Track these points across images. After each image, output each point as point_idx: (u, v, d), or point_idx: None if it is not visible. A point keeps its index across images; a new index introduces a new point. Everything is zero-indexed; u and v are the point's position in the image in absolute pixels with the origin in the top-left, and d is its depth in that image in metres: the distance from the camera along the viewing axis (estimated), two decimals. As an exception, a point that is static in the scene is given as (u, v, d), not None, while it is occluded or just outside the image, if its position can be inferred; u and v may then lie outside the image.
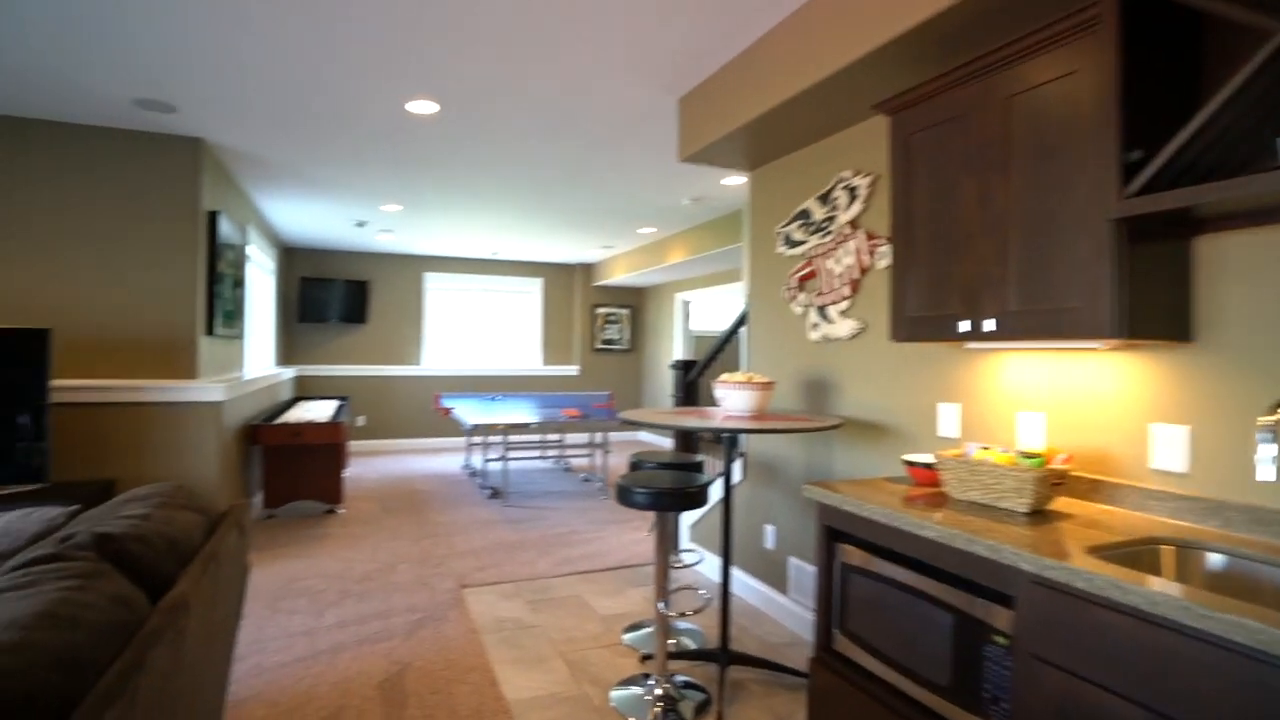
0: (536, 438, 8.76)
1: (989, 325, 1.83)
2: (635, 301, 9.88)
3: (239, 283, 4.90)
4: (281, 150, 4.16)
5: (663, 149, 4.09)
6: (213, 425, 3.81)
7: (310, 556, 4.03)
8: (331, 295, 8.07)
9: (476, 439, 8.74)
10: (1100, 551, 1.45)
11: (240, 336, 5.02)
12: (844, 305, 2.87)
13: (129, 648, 1.12)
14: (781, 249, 3.27)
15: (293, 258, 8.06)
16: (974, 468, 1.84)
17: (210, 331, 4.07)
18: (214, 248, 4.11)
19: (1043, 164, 1.69)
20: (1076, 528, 1.63)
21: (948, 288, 1.96)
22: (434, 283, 8.80)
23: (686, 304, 8.90)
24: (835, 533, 2.03)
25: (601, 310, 9.63)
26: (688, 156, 3.33)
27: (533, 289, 9.35)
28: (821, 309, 2.99)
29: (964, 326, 1.90)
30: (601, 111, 3.48)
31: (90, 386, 3.56)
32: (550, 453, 8.02)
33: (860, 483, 2.13)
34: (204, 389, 3.77)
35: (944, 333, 1.97)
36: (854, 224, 2.83)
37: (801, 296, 3.12)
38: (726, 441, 2.66)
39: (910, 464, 2.11)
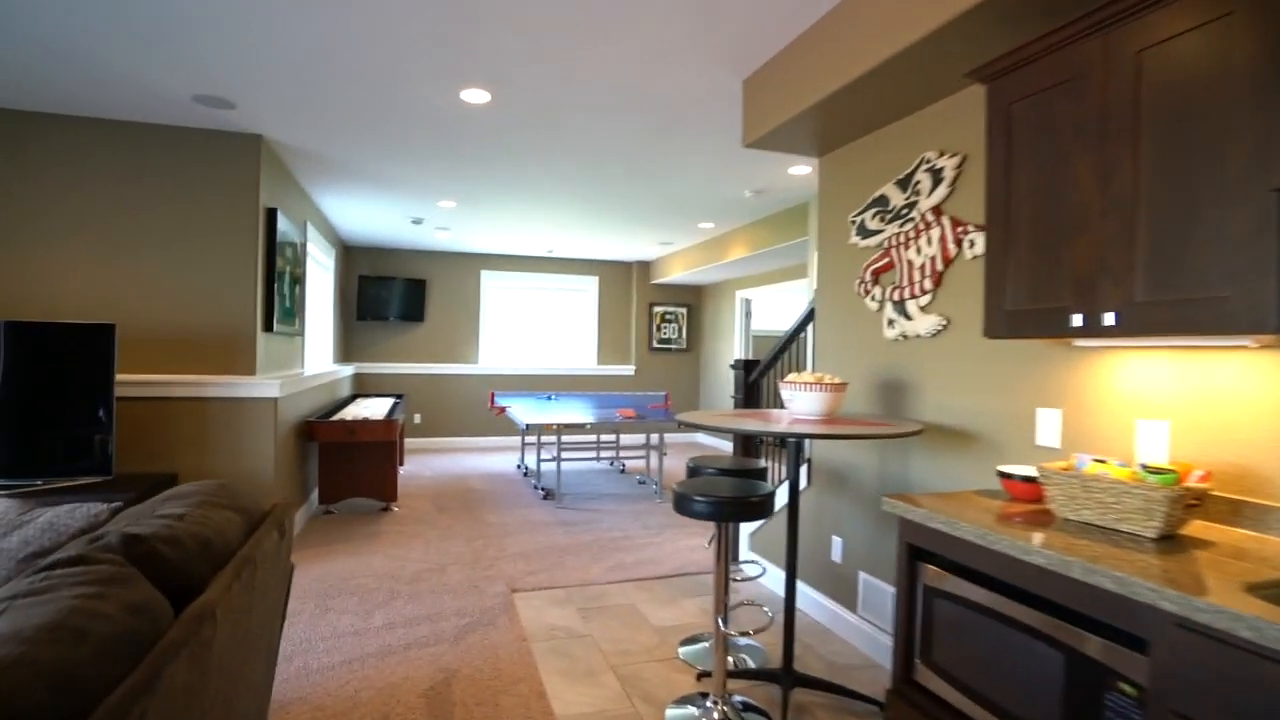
0: (591, 438, 8.68)
1: (1108, 319, 1.58)
2: (693, 300, 9.69)
3: (297, 280, 4.94)
4: (338, 146, 4.16)
5: (725, 137, 3.90)
6: (269, 421, 3.82)
7: (363, 554, 4.00)
8: (389, 293, 8.16)
9: (530, 439, 8.71)
10: (1262, 590, 1.21)
11: (299, 334, 5.06)
12: (925, 299, 2.63)
13: (142, 664, 1.02)
14: (854, 239, 3.04)
15: (352, 256, 8.19)
16: (1088, 483, 1.60)
17: (269, 328, 4.10)
18: (272, 245, 4.13)
19: (1181, 129, 1.44)
20: (1220, 558, 1.38)
21: (1057, 277, 1.72)
22: (490, 281, 8.82)
23: (747, 302, 8.66)
24: (919, 552, 1.81)
25: (658, 309, 9.48)
26: (753, 141, 3.14)
27: (588, 287, 9.27)
28: (899, 304, 2.75)
29: (1077, 321, 1.66)
30: (661, 97, 3.32)
31: (153, 381, 3.61)
32: (604, 454, 7.92)
33: (946, 496, 1.90)
34: (261, 385, 3.78)
35: (1051, 328, 1.73)
36: (938, 210, 2.59)
37: (876, 290, 2.89)
38: (793, 447, 2.46)
39: (1007, 476, 1.87)
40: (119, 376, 3.57)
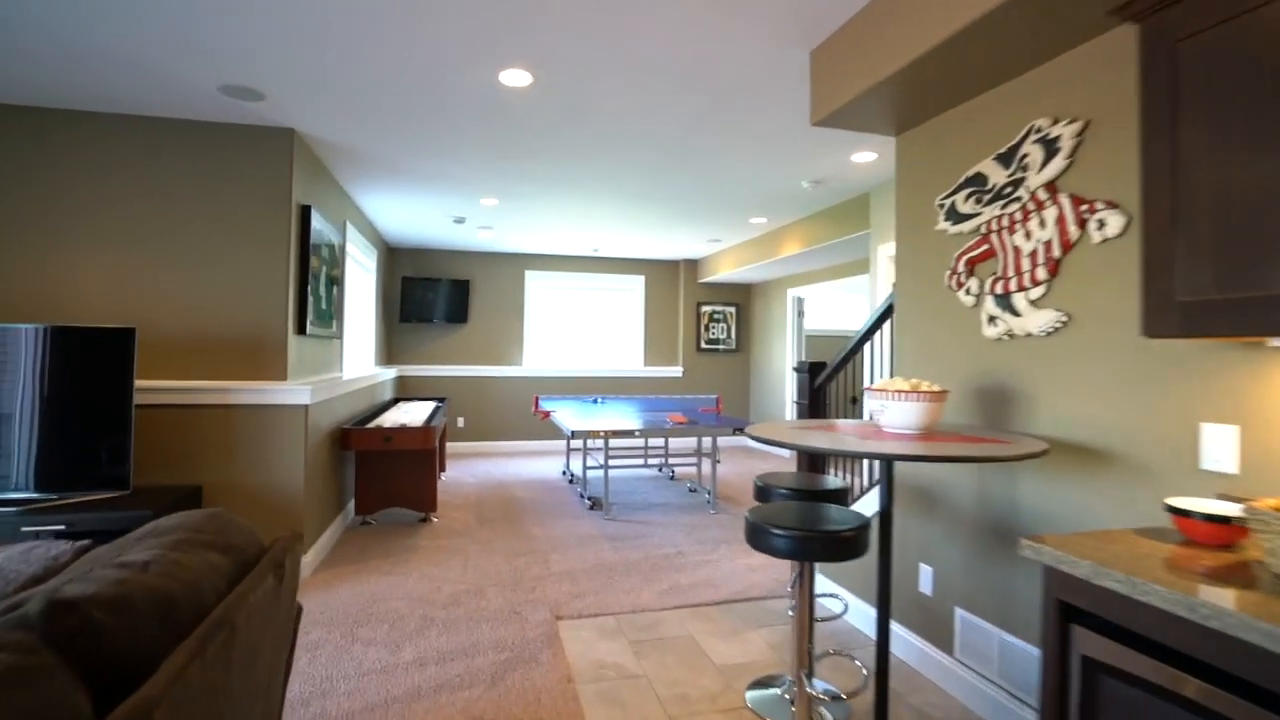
0: (639, 444, 8.36)
1: (1350, 310, 1.17)
2: (742, 299, 9.28)
3: (335, 281, 4.75)
4: (374, 138, 3.92)
5: (784, 120, 3.52)
6: (299, 429, 3.60)
7: (397, 573, 3.75)
8: (433, 295, 8.00)
9: (576, 444, 8.44)
10: None
11: (338, 336, 4.87)
12: (1038, 292, 2.21)
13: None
14: (942, 225, 2.63)
15: (395, 257, 8.05)
16: (1321, 532, 1.19)
17: (302, 331, 3.89)
18: (306, 243, 3.93)
19: None
20: None
21: (1268, 257, 1.30)
22: (535, 281, 8.59)
23: (799, 300, 8.21)
24: (1073, 611, 1.41)
25: (706, 308, 9.10)
26: (822, 119, 2.76)
27: (634, 286, 8.96)
28: (1003, 297, 2.34)
29: (1298, 313, 1.24)
30: (716, 76, 2.97)
31: (176, 388, 3.42)
32: (652, 459, 7.58)
33: (1098, 537, 1.50)
34: (290, 391, 3.56)
35: (1257, 323, 1.31)
36: (1052, 187, 2.17)
37: (972, 283, 2.47)
38: (886, 467, 2.07)
39: (1181, 514, 1.46)
40: (140, 383, 3.39)
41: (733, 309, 9.24)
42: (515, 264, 8.49)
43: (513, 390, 8.41)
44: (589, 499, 5.45)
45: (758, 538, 1.90)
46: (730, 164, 4.40)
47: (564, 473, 6.86)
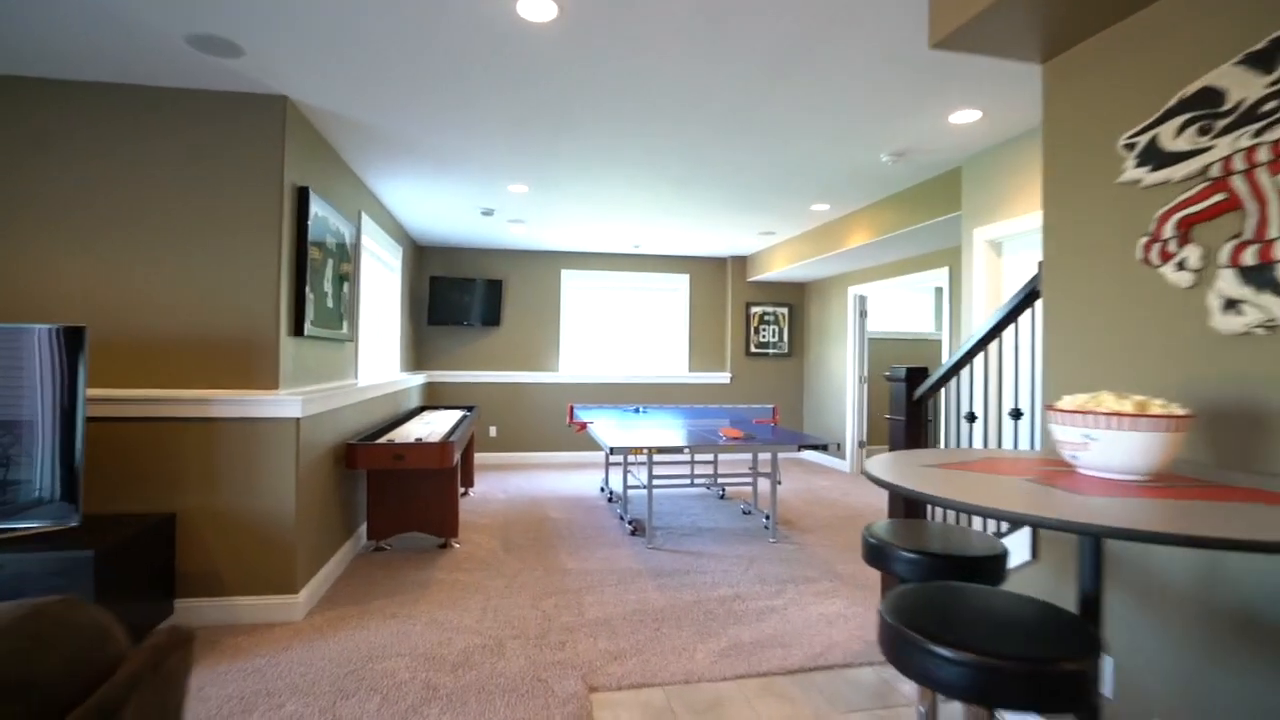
0: (685, 457, 7.69)
1: None
2: (795, 299, 8.53)
3: (346, 277, 4.21)
4: (379, 107, 3.36)
5: (869, 71, 2.82)
6: (289, 445, 3.04)
7: (403, 616, 3.15)
8: (463, 296, 7.47)
9: (616, 459, 7.82)
10: None
11: (349, 339, 4.33)
12: (1309, 262, 1.47)
13: None
14: (1133, 174, 1.90)
15: (423, 256, 7.56)
16: None
17: (299, 332, 3.34)
18: (303, 231, 3.38)
19: None
20: None
21: None
22: (571, 281, 8.00)
23: (861, 299, 7.44)
24: None
25: (756, 309, 8.38)
26: (943, 38, 2.06)
27: (679, 286, 8.29)
28: (1256, 271, 1.60)
29: None
30: (788, 11, 2.30)
31: (144, 398, 2.89)
32: (700, 473, 6.89)
33: None
34: (278, 402, 3.00)
35: None
36: (1333, 101, 1.43)
37: (1189, 252, 1.74)
38: (1092, 542, 1.36)
39: None
40: (100, 392, 2.87)
41: (785, 310, 8.50)
42: (550, 263, 7.91)
43: (547, 398, 7.83)
44: (630, 522, 4.79)
45: (909, 656, 1.20)
46: (796, 135, 3.71)
47: (602, 489, 6.22)
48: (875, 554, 1.73)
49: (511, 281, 7.81)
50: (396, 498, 4.12)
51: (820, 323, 8.14)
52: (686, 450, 4.10)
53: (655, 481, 6.01)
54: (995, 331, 2.62)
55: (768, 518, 4.99)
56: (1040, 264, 2.26)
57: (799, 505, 5.63)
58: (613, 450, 3.97)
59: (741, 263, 8.32)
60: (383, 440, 3.95)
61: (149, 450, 2.91)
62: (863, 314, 7.47)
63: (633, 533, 4.66)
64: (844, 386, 7.54)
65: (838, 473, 7.33)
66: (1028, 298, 2.35)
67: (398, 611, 3.21)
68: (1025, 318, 3.79)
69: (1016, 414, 2.41)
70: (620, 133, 3.72)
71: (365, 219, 4.80)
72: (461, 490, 5.94)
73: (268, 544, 3.01)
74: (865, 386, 7.42)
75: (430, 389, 7.54)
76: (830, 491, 6.26)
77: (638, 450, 3.98)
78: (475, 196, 5.25)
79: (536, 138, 3.82)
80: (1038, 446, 3.10)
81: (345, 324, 4.24)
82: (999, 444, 2.50)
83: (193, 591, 2.93)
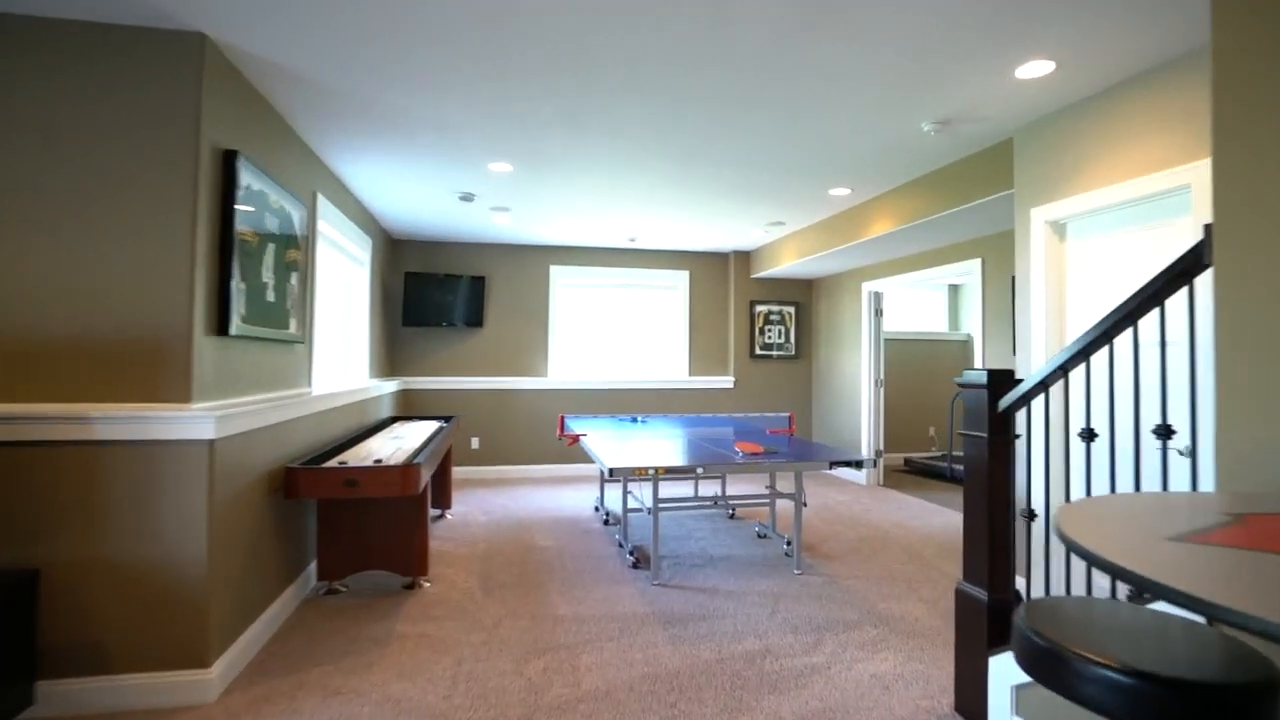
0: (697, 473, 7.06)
1: None
2: (802, 296, 7.93)
3: (294, 266, 3.55)
4: (329, 54, 2.70)
5: (914, 18, 2.21)
6: (199, 475, 2.37)
7: (349, 693, 2.48)
8: (442, 294, 6.81)
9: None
10: None
11: (301, 341, 3.67)
12: None
13: None
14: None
15: (398, 250, 6.89)
16: None
17: (223, 330, 2.68)
18: (229, 205, 2.72)
19: None
20: None
21: None
22: (561, 278, 7.35)
23: (876, 296, 6.84)
24: None
25: (761, 308, 7.77)
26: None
27: (678, 283, 7.67)
28: None
29: None
30: None
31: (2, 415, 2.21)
32: (706, 490, 6.26)
33: None
34: (182, 420, 2.34)
35: None
36: None
37: None
38: None
39: None
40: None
41: (791, 309, 7.90)
42: (538, 258, 7.27)
43: (535, 405, 7.17)
44: (632, 552, 4.15)
45: None
46: (825, 101, 3.09)
47: (597, 508, 5.57)
48: (1043, 662, 1.10)
49: (496, 279, 7.16)
50: (353, 530, 3.46)
51: (830, 322, 7.54)
52: (701, 472, 3.47)
53: (660, 504, 5.39)
54: (1125, 320, 1.99)
55: (789, 544, 4.36)
56: (1208, 227, 1.65)
57: (818, 525, 5.00)
58: (612, 472, 3.33)
59: (745, 258, 7.71)
60: (334, 462, 3.28)
61: (3, 485, 2.24)
62: (878, 312, 6.88)
63: (635, 565, 4.02)
64: (858, 391, 6.94)
65: (854, 485, 6.71)
66: (1180, 274, 1.74)
67: (343, 685, 2.54)
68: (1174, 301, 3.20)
69: (1165, 432, 1.79)
70: (613, 101, 3.08)
71: (323, 202, 4.14)
72: (436, 513, 5.27)
73: (169, 604, 2.34)
74: (882, 391, 6.82)
75: (405, 397, 6.86)
76: (849, 507, 5.64)
77: (642, 472, 3.34)
78: (452, 178, 4.60)
79: (519, 105, 3.17)
80: (1206, 476, 2.48)
81: (294, 323, 3.58)
82: (1136, 472, 1.88)
83: (64, 670, 2.26)
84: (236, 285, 2.75)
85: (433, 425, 5.24)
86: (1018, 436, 2.28)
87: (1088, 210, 3.23)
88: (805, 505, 3.91)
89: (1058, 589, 3.25)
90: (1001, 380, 2.27)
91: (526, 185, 4.78)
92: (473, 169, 4.38)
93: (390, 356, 6.67)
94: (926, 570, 3.98)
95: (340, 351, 5.17)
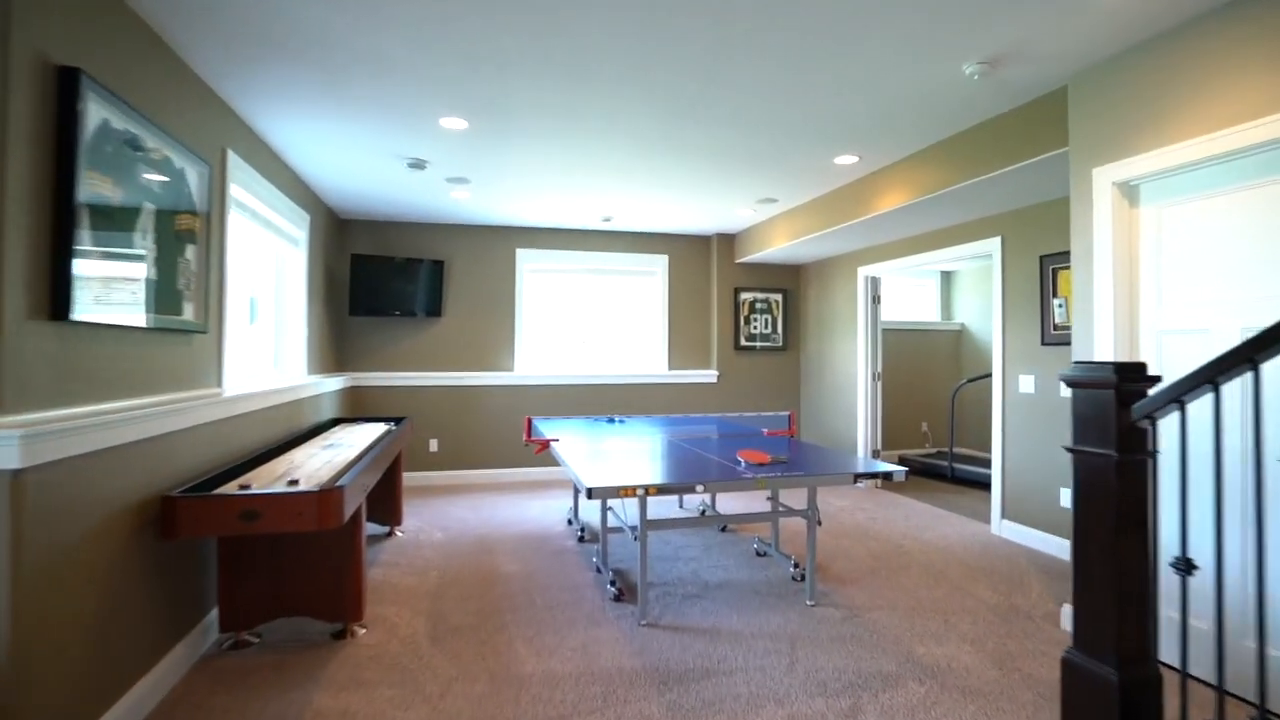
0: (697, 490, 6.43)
1: None
2: (789, 283, 7.34)
3: (189, 237, 2.81)
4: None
5: None
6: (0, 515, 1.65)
7: (237, 814, 1.79)
8: (395, 280, 6.05)
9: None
10: None
11: (203, 330, 2.94)
12: None
13: None
14: None
15: (345, 231, 6.11)
16: None
17: (58, 315, 1.95)
18: (68, 144, 1.99)
19: None
20: None
21: None
22: (529, 263, 6.64)
23: (872, 282, 6.27)
24: None
25: (746, 295, 7.16)
26: None
27: (656, 268, 7.02)
28: None
29: None
30: None
31: None
32: (691, 497, 5.63)
33: None
34: (-31, 443, 1.61)
35: None
36: None
37: None
38: None
39: None
40: None
41: (778, 296, 7.31)
42: (503, 240, 6.55)
43: (501, 403, 6.47)
44: (614, 583, 3.49)
45: None
46: (844, 39, 2.45)
47: (570, 520, 4.91)
48: None
49: (456, 263, 6.42)
50: (267, 568, 2.75)
51: (821, 310, 6.95)
52: (702, 490, 2.83)
53: (649, 524, 4.74)
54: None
55: (796, 565, 3.75)
56: None
57: (822, 539, 4.40)
58: (591, 493, 2.66)
59: (729, 241, 7.09)
60: (234, 486, 2.56)
61: None
62: (875, 299, 6.31)
63: (618, 597, 3.37)
64: (853, 385, 6.37)
65: (851, 489, 6.15)
66: None
67: (224, 804, 1.84)
68: None
69: None
70: (588, 41, 2.40)
71: (236, 161, 3.39)
72: (383, 531, 4.55)
73: (-47, 711, 1.63)
74: (879, 385, 6.27)
75: (353, 396, 6.10)
76: (851, 515, 5.07)
77: (629, 492, 2.69)
78: (398, 139, 3.87)
79: (475, 32, 2.47)
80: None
81: (191, 307, 2.84)
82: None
83: None
84: (74, 248, 2.02)
85: (380, 428, 4.51)
86: (1155, 453, 1.68)
87: (1168, 168, 2.65)
88: (820, 524, 3.33)
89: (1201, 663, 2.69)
90: (1134, 376, 1.66)
91: (486, 150, 4.07)
92: (421, 126, 3.66)
93: (336, 350, 5.90)
94: (958, 596, 3.40)
95: (270, 344, 4.42)
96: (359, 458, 3.25)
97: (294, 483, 2.62)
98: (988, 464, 6.43)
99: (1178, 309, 2.72)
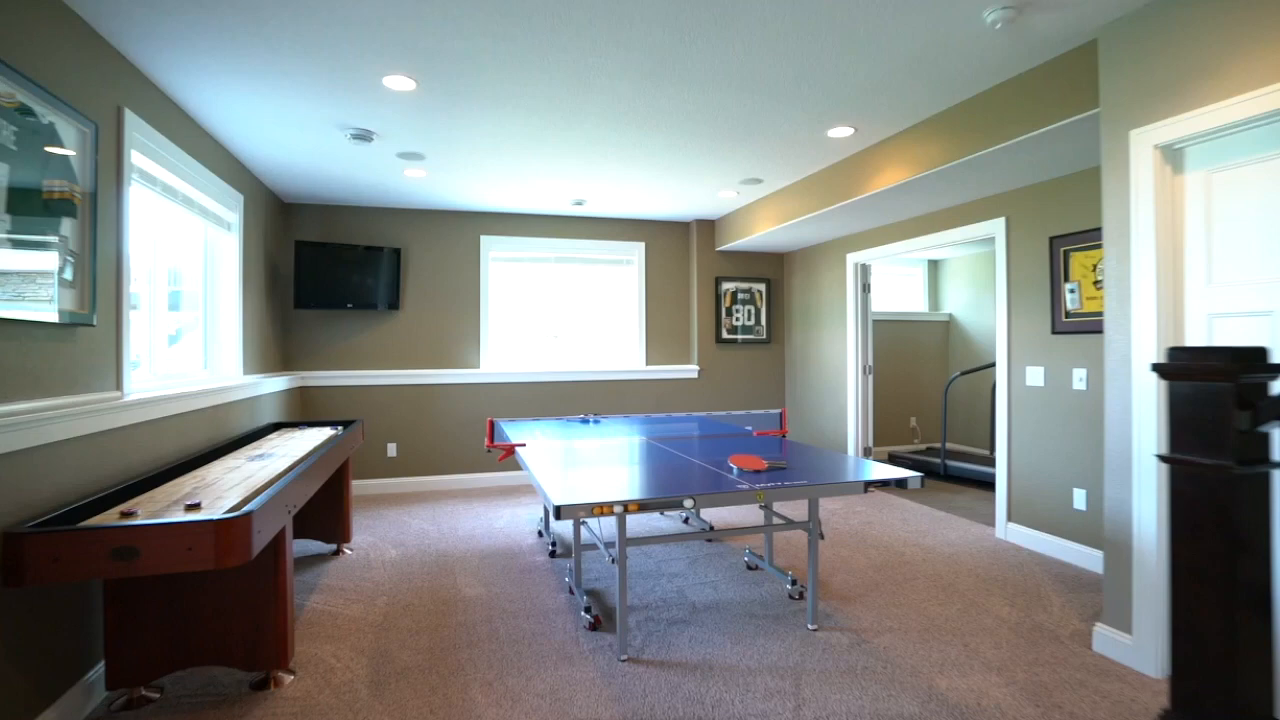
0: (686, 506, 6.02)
1: None
2: (773, 272, 6.96)
3: (66, 210, 2.30)
4: None
5: None
6: None
7: None
8: (346, 270, 5.53)
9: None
10: None
11: (88, 323, 2.44)
12: None
13: None
14: None
15: (291, 217, 5.57)
16: None
17: None
18: None
19: None
20: None
21: None
22: (495, 250, 6.16)
23: (862, 269, 5.90)
24: None
25: (728, 285, 6.76)
26: None
27: (632, 256, 6.58)
28: None
29: None
30: None
31: None
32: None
33: None
34: None
35: None
36: None
37: None
38: None
39: None
40: None
41: (761, 286, 6.92)
42: (467, 226, 6.05)
43: (465, 403, 5.98)
44: (589, 608, 3.05)
45: None
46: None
47: (541, 533, 4.46)
48: None
49: (415, 251, 5.91)
50: (167, 609, 2.26)
51: (806, 301, 6.58)
52: (691, 506, 2.40)
53: (629, 542, 4.33)
54: None
55: (793, 582, 3.34)
56: None
57: (819, 548, 4.02)
58: (560, 512, 2.22)
59: (709, 227, 6.67)
60: (114, 514, 2.07)
61: None
62: (865, 287, 5.95)
63: (593, 625, 2.93)
64: (841, 379, 6.01)
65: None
66: None
67: None
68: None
69: None
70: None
71: (137, 124, 2.87)
72: (330, 549, 4.07)
73: None
74: (870, 379, 5.92)
75: (301, 397, 5.57)
76: (846, 520, 4.70)
77: (606, 510, 2.25)
78: (336, 101, 3.37)
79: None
80: None
81: (71, 296, 2.34)
82: None
83: None
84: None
85: (324, 434, 4.02)
86: (1278, 465, 1.29)
87: (1220, 127, 2.29)
88: (823, 538, 2.96)
89: None
90: (1257, 365, 1.27)
91: (439, 116, 3.59)
92: (362, 86, 3.18)
93: (281, 347, 5.37)
94: (973, 613, 3.04)
95: (196, 339, 3.90)
96: (287, 471, 2.77)
97: (194, 507, 2.14)
98: (982, 461, 6.12)
99: (1232, 288, 2.36)
